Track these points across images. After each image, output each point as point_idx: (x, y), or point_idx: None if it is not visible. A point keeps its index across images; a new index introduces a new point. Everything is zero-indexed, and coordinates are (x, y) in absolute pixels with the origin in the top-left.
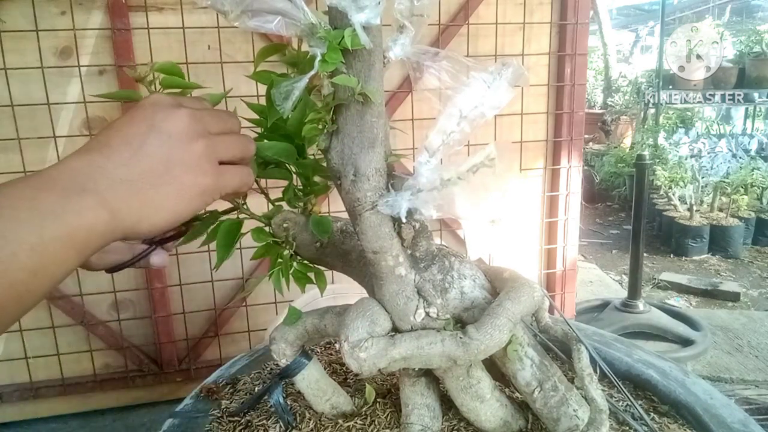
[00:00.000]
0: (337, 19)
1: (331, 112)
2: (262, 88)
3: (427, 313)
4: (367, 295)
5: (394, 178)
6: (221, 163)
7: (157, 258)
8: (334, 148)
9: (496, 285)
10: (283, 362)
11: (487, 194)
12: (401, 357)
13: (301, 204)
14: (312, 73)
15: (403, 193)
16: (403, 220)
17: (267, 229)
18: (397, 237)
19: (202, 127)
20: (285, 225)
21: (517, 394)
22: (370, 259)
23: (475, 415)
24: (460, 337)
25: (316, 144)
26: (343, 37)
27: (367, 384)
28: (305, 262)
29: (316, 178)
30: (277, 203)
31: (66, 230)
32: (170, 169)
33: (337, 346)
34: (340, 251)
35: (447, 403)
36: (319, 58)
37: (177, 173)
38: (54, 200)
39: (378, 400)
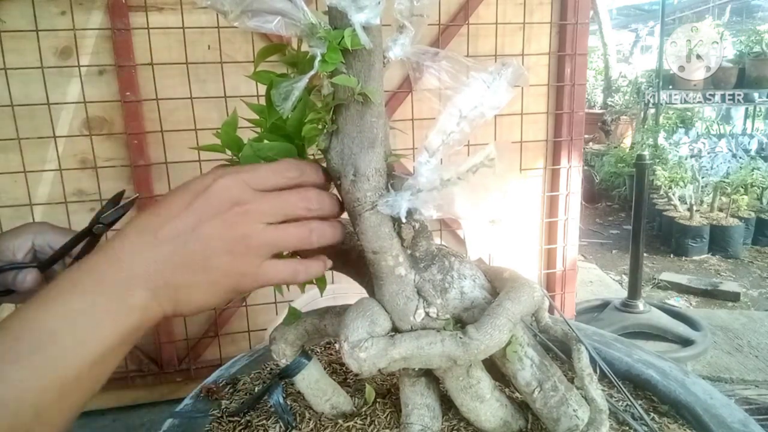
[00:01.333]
0: (337, 19)
1: (331, 112)
2: (262, 88)
3: (427, 313)
4: (367, 295)
5: (394, 178)
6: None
7: (30, 277)
8: (333, 148)
9: (496, 285)
10: (283, 362)
11: (487, 194)
12: (401, 357)
13: None
14: (312, 73)
15: (403, 193)
16: (403, 220)
17: None
18: (397, 237)
19: (260, 226)
20: None
21: (517, 394)
22: (370, 259)
23: (475, 415)
24: (460, 337)
25: (316, 144)
26: (343, 37)
27: (367, 384)
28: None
29: None
30: None
31: (120, 335)
32: (210, 275)
33: (337, 346)
34: (339, 251)
35: (447, 403)
36: (319, 58)
37: (216, 278)
38: (108, 307)
39: (378, 400)
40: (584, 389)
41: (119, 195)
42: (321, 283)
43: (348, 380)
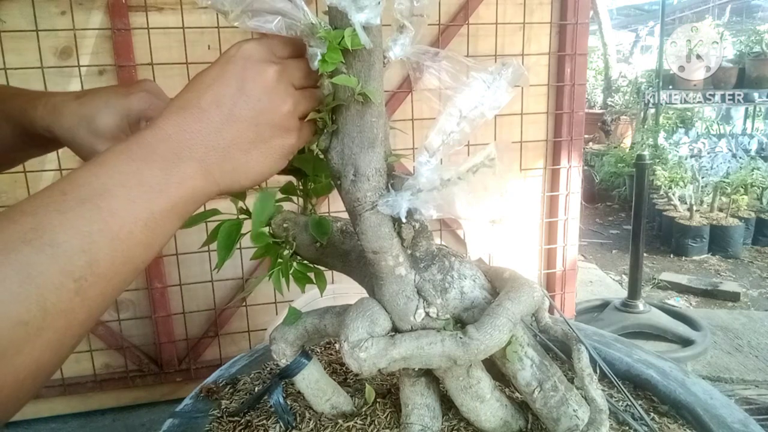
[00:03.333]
0: (337, 19)
1: (331, 112)
2: None
3: (427, 313)
4: (367, 295)
5: (394, 178)
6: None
7: None
8: (334, 148)
9: (496, 285)
10: (283, 362)
11: (487, 194)
12: (401, 357)
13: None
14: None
15: (403, 193)
16: (403, 220)
17: (266, 229)
18: (397, 237)
19: (290, 85)
20: (285, 225)
21: (517, 394)
22: (370, 259)
23: (475, 415)
24: (460, 337)
25: (316, 144)
26: (343, 37)
27: (367, 384)
28: (305, 262)
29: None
30: (277, 203)
31: (171, 202)
32: (260, 133)
33: (337, 346)
34: (340, 251)
35: (447, 403)
36: (318, 58)
37: (266, 136)
38: (157, 174)
39: (378, 400)
40: (584, 389)
41: None
42: (321, 283)
43: (348, 380)
